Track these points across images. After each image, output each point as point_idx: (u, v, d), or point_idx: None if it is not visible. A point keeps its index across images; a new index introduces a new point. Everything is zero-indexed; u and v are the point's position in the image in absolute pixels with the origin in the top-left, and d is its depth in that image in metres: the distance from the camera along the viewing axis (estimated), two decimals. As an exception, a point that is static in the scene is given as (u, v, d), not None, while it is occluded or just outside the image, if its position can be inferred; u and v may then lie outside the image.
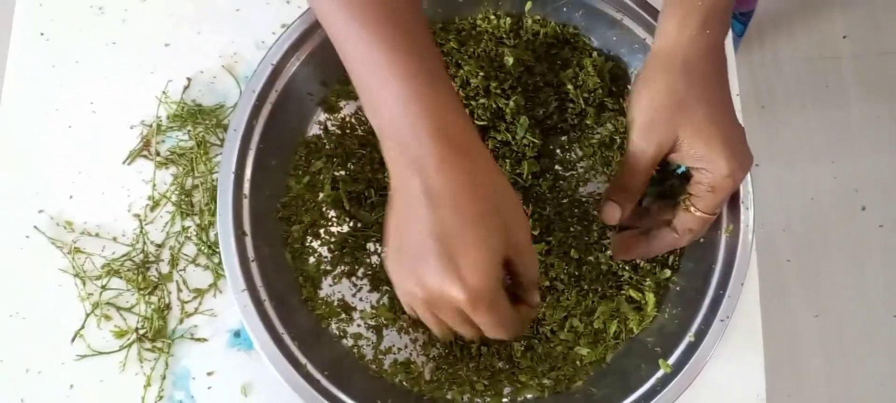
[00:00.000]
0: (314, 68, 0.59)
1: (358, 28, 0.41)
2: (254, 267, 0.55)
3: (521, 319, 0.45)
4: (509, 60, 0.59)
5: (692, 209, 0.49)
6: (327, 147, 0.61)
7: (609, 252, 0.60)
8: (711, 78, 0.47)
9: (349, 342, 0.58)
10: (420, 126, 0.40)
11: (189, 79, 0.63)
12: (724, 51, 0.48)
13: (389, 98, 0.41)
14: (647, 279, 0.58)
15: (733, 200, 0.56)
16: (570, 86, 0.60)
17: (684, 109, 0.46)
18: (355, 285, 0.60)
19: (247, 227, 0.56)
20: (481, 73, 0.59)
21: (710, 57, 0.47)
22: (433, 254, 0.39)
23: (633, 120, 0.47)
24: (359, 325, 0.59)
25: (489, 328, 0.42)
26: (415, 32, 0.42)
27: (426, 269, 0.40)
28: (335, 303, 0.59)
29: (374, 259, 0.60)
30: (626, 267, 0.59)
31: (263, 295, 0.55)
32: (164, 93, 0.63)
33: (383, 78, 0.41)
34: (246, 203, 0.56)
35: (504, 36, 0.61)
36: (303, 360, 0.54)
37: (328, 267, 0.60)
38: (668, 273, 0.59)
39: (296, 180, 0.60)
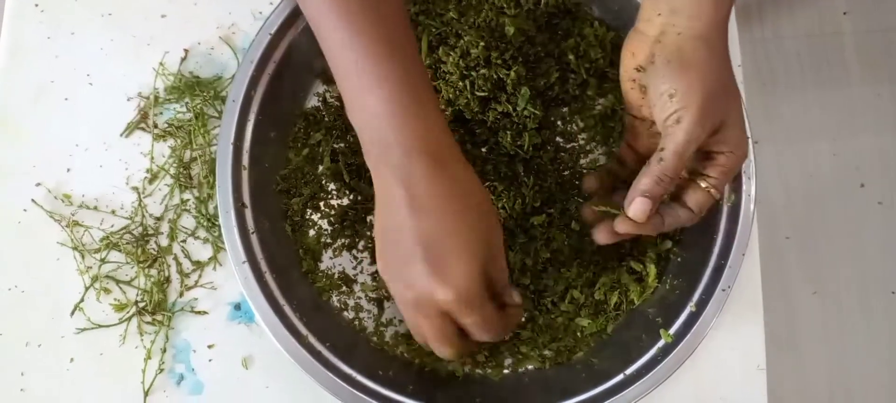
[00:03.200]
0: (312, 39, 0.57)
1: (349, 35, 0.43)
2: (254, 239, 0.55)
3: (506, 319, 0.48)
4: (510, 30, 0.59)
5: (712, 190, 0.48)
6: (326, 119, 0.61)
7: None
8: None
9: (350, 314, 0.58)
10: (404, 137, 0.43)
11: (186, 51, 0.63)
12: None
13: (374, 103, 0.43)
14: (649, 250, 0.58)
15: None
16: (571, 57, 0.60)
17: (731, 95, 0.46)
18: (356, 258, 0.60)
19: (246, 199, 0.55)
20: (482, 44, 0.58)
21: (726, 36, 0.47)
22: (420, 259, 0.43)
23: (685, 104, 0.44)
24: (360, 297, 0.59)
25: (477, 328, 0.45)
26: (403, 45, 0.45)
27: (414, 272, 0.43)
28: (336, 276, 0.59)
29: (375, 231, 0.60)
30: (627, 240, 0.59)
31: (264, 267, 0.54)
32: (161, 64, 0.62)
33: (368, 84, 0.43)
34: (245, 175, 0.56)
35: (504, 5, 0.60)
36: (304, 332, 0.54)
37: (328, 240, 0.59)
38: (669, 244, 0.59)
39: (295, 152, 0.60)
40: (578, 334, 0.58)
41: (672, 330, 0.54)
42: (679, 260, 0.59)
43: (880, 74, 1.46)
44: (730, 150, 0.47)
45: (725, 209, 0.56)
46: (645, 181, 0.46)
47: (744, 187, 0.55)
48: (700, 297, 0.55)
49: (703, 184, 0.48)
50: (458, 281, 0.42)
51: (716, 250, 0.56)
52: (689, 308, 0.55)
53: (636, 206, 0.46)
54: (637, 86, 0.49)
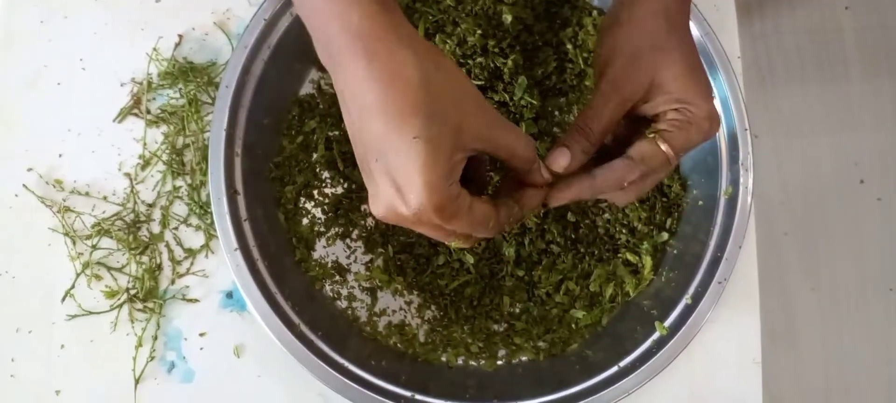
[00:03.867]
0: (308, 25, 0.58)
1: None
2: (246, 226, 0.54)
3: (507, 214, 0.42)
4: (508, 18, 0.58)
5: (659, 142, 0.44)
6: (321, 106, 0.60)
7: (607, 215, 0.59)
8: (686, 25, 0.47)
9: (343, 303, 0.58)
10: (334, 21, 0.37)
11: (180, 36, 0.62)
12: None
13: (318, 9, 0.37)
14: (644, 242, 0.58)
15: (733, 162, 0.55)
16: (569, 46, 0.59)
17: (666, 52, 0.44)
18: (349, 247, 0.59)
19: (239, 186, 0.55)
20: (479, 31, 0.57)
21: (685, 4, 0.47)
22: (373, 178, 0.37)
23: (608, 59, 0.45)
24: (353, 287, 0.58)
25: (456, 237, 0.41)
26: None
27: (374, 186, 0.38)
28: (329, 265, 0.58)
29: (369, 221, 0.59)
30: (623, 231, 0.58)
31: (256, 254, 0.54)
32: (154, 49, 0.61)
33: None
34: (238, 162, 0.55)
35: (502, -6, 0.60)
36: (296, 320, 0.53)
37: (322, 229, 0.59)
38: (665, 236, 0.58)
39: (289, 139, 0.59)
40: (573, 326, 0.58)
41: (667, 323, 0.54)
42: (675, 252, 0.58)
43: (880, 70, 1.45)
44: (679, 105, 0.44)
45: (722, 201, 0.56)
46: (566, 133, 0.45)
47: (741, 180, 0.55)
48: (696, 290, 0.54)
49: (649, 134, 0.44)
50: (412, 200, 0.36)
51: (712, 243, 0.56)
52: (685, 300, 0.54)
53: (552, 155, 0.44)
54: None
